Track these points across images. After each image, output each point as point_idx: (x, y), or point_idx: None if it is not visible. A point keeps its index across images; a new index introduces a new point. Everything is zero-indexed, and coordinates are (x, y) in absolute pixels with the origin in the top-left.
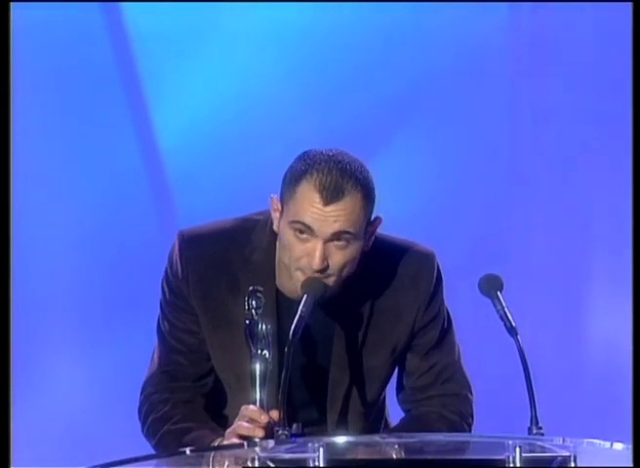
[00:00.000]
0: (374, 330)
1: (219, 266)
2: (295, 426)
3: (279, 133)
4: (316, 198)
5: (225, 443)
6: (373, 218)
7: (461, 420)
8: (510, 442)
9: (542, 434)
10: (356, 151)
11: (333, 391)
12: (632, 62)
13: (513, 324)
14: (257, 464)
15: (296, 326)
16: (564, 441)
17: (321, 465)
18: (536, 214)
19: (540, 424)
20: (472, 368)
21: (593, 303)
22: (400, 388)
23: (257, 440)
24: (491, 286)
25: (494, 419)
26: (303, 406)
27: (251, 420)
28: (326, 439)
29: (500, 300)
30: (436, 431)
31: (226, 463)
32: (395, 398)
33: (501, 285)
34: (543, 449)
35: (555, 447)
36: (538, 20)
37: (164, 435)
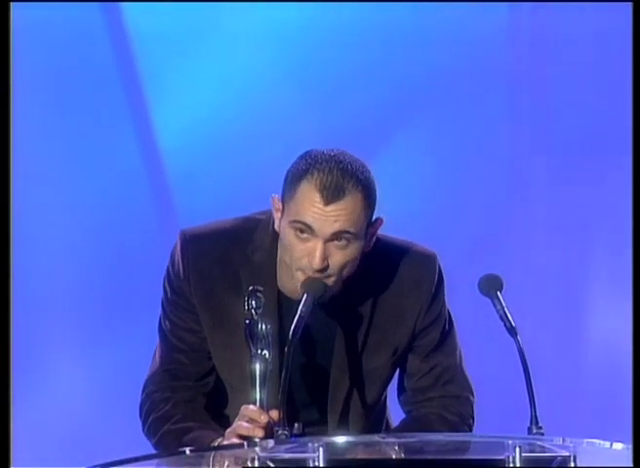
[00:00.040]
0: (375, 331)
1: (220, 266)
2: (296, 426)
3: (279, 133)
4: (317, 197)
5: (225, 443)
6: (374, 219)
7: (462, 422)
8: (510, 442)
9: (542, 434)
10: (356, 151)
11: (334, 392)
12: (632, 62)
13: (513, 324)
14: (257, 464)
15: (295, 326)
16: (564, 441)
17: (321, 465)
18: (536, 214)
19: (539, 424)
20: (472, 368)
21: (593, 303)
22: (401, 389)
23: (257, 440)
24: (491, 286)
25: (494, 419)
26: (304, 406)
27: (251, 420)
28: (326, 439)
29: (499, 300)
30: (436, 432)
31: (226, 463)
32: (396, 399)
33: (501, 285)
34: (543, 449)
35: (555, 447)
36: (538, 20)
37: (164, 434)
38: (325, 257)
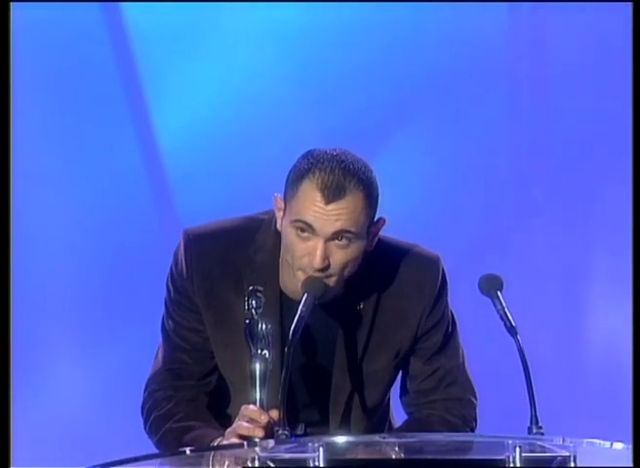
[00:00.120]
0: (377, 332)
1: (223, 265)
2: (299, 427)
3: (279, 133)
4: (318, 197)
5: (225, 443)
6: (376, 219)
7: (464, 424)
8: (510, 441)
9: (542, 434)
10: (356, 151)
11: (335, 394)
12: (632, 62)
13: (513, 324)
14: (257, 464)
15: (295, 326)
16: (564, 441)
17: (321, 465)
18: (536, 213)
19: (540, 424)
20: (472, 368)
21: (593, 303)
22: (403, 391)
23: (257, 440)
24: (491, 286)
25: (494, 419)
26: (306, 406)
27: (251, 420)
28: (326, 439)
29: (500, 300)
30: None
31: (226, 463)
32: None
33: (501, 285)
34: (543, 449)
35: (555, 446)
36: (538, 20)
37: (165, 433)
38: (326, 257)
